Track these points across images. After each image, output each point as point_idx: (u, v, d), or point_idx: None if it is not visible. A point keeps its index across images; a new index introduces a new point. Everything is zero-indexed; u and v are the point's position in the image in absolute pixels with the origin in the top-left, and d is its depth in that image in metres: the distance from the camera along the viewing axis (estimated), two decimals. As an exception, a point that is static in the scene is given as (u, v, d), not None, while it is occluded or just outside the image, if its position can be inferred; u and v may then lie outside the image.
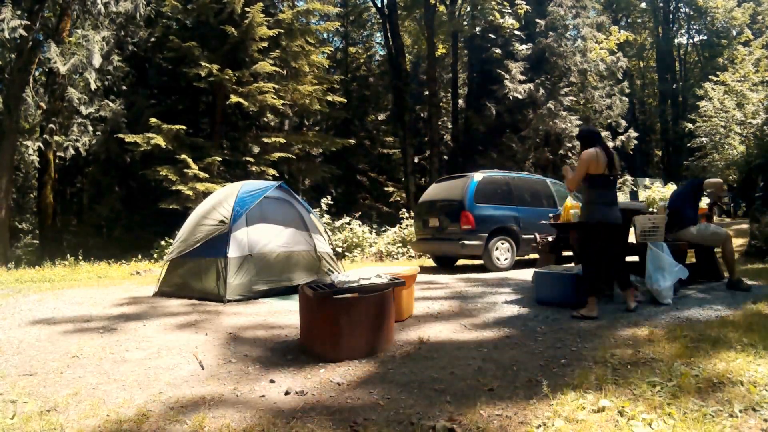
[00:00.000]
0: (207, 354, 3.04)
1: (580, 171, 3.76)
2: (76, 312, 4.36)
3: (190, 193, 11.12)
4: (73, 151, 12.80)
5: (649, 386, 2.19)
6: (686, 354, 2.65)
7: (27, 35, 10.72)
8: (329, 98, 14.45)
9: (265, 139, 13.23)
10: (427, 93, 20.76)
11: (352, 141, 16.86)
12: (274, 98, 12.67)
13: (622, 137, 19.07)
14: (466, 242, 6.96)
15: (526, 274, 6.17)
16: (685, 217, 4.77)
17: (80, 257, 9.97)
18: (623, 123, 19.60)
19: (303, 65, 13.98)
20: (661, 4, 30.79)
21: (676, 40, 32.21)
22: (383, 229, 13.07)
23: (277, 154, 13.22)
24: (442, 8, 20.80)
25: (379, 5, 21.94)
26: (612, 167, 3.72)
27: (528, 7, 17.53)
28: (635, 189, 16.16)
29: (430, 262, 9.06)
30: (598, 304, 3.74)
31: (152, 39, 14.05)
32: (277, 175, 13.16)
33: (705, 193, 5.19)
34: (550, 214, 5.57)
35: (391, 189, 21.90)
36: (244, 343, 3.29)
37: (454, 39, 21.17)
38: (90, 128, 13.10)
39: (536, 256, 6.27)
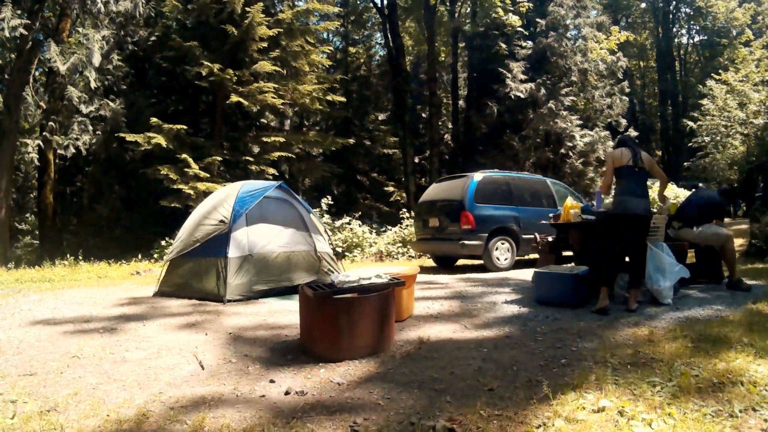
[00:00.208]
0: (207, 354, 3.04)
1: (605, 169, 4.23)
2: (76, 312, 4.36)
3: (191, 192, 11.12)
4: (73, 151, 12.80)
5: (649, 386, 2.19)
6: (686, 354, 2.65)
7: (27, 35, 10.71)
8: (329, 98, 14.44)
9: (265, 139, 13.23)
10: (427, 93, 20.73)
11: (352, 141, 16.85)
12: (274, 98, 12.67)
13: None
14: (466, 242, 6.96)
15: (526, 274, 6.17)
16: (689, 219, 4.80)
17: (80, 257, 9.96)
18: (623, 122, 19.59)
19: (303, 65, 13.97)
20: (661, 4, 30.77)
21: (676, 40, 32.21)
22: (383, 229, 13.07)
23: (277, 154, 13.21)
24: (442, 8, 20.79)
25: (379, 5, 21.94)
26: (636, 161, 3.94)
27: (530, 4, 17.53)
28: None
29: (430, 262, 9.06)
30: (608, 296, 3.87)
31: (152, 39, 14.04)
32: (277, 174, 13.16)
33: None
34: (550, 214, 5.56)
35: (391, 189, 21.87)
36: (244, 343, 3.29)
37: (455, 39, 21.16)
38: (90, 127, 13.09)
39: (536, 256, 6.27)
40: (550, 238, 5.76)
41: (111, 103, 12.88)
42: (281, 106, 13.37)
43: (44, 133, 12.27)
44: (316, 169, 15.85)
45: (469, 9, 20.92)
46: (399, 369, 2.67)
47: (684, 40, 32.86)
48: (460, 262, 8.54)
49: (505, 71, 16.95)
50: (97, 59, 11.57)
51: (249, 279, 4.87)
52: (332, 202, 12.28)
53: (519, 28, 17.56)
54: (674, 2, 30.93)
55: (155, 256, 10.79)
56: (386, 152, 23.20)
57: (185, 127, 11.94)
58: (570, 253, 5.64)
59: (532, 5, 17.64)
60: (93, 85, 11.70)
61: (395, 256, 11.09)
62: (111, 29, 12.74)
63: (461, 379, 2.47)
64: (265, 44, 12.83)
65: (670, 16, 31.33)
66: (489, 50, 18.03)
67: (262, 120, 15.27)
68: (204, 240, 4.92)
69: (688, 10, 30.84)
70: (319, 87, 14.15)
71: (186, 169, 11.41)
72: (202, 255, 4.92)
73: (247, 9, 12.26)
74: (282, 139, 13.21)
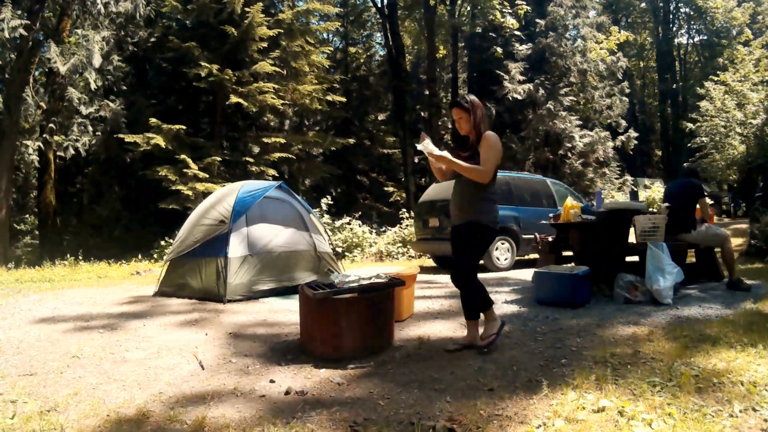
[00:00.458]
0: (207, 354, 3.04)
1: None
2: (76, 312, 4.36)
3: (190, 193, 11.12)
4: (73, 151, 12.80)
5: (649, 386, 2.19)
6: (686, 354, 2.65)
7: (27, 35, 10.71)
8: (329, 98, 14.44)
9: (265, 139, 13.23)
10: (427, 93, 20.74)
11: (352, 141, 16.84)
12: (274, 98, 12.67)
13: (622, 137, 19.08)
14: (466, 242, 6.95)
15: (526, 274, 6.17)
16: (686, 223, 4.78)
17: (80, 257, 9.96)
18: (623, 123, 19.61)
19: (303, 65, 13.98)
20: (661, 4, 30.79)
21: (676, 40, 32.23)
22: (383, 229, 13.07)
23: (277, 154, 13.21)
24: (442, 8, 20.79)
25: (379, 5, 21.93)
26: None
27: (528, 8, 17.52)
28: (635, 189, 16.13)
29: (430, 262, 9.06)
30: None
31: (152, 39, 14.04)
32: (277, 175, 13.15)
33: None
34: (550, 214, 5.56)
35: (391, 189, 21.88)
36: (245, 342, 3.29)
37: (454, 39, 21.15)
38: (90, 128, 13.09)
39: (536, 256, 6.27)
40: (550, 238, 5.76)
41: (111, 104, 12.88)
42: (281, 107, 13.37)
43: (44, 134, 12.28)
44: (316, 169, 15.85)
45: (468, 9, 20.90)
46: (399, 369, 2.67)
47: (684, 40, 32.91)
48: (460, 262, 8.53)
49: (502, 73, 16.96)
50: (97, 60, 11.57)
51: (249, 279, 4.87)
52: (332, 202, 12.28)
53: (516, 32, 17.56)
54: (674, 2, 30.96)
55: (155, 256, 10.79)
56: (386, 152, 23.21)
57: (185, 127, 11.94)
58: (570, 253, 5.64)
59: (531, 8, 17.62)
60: (93, 86, 11.71)
61: (395, 256, 11.08)
62: (111, 30, 12.75)
63: (461, 379, 2.47)
64: (265, 44, 12.84)
65: (670, 16, 31.36)
66: (488, 51, 18.04)
67: (262, 120, 15.26)
68: (204, 240, 4.92)
69: (687, 10, 30.85)
70: (319, 87, 14.15)
71: (185, 170, 11.42)
72: (202, 255, 4.92)
73: (247, 9, 12.27)
74: (282, 140, 13.21)
